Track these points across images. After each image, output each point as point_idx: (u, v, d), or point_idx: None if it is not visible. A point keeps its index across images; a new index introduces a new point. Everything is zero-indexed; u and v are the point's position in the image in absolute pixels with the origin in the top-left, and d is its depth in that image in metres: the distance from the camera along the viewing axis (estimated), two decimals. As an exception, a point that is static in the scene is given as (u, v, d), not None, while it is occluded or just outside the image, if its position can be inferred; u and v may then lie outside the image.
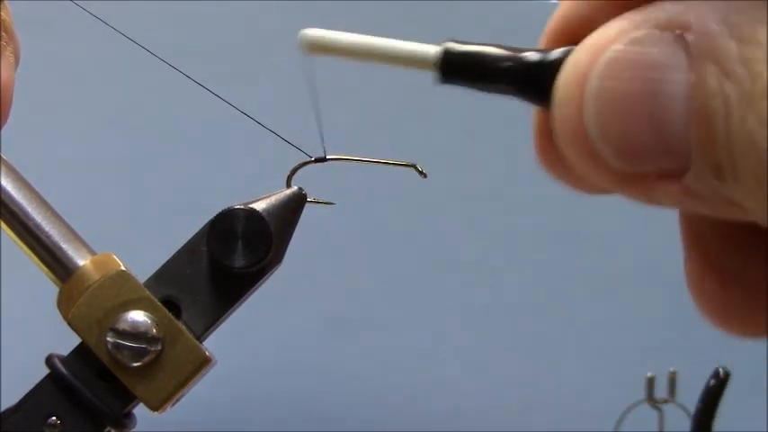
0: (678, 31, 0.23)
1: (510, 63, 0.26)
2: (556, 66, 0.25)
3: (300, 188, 0.40)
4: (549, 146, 0.27)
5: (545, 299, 0.73)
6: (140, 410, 0.39)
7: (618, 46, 0.24)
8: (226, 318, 0.40)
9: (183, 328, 0.38)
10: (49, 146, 0.66)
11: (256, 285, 0.40)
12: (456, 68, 0.27)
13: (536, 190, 0.70)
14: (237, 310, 0.40)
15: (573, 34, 0.26)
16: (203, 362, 0.38)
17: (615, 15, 0.24)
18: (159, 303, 0.38)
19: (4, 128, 0.40)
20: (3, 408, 0.39)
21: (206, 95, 0.43)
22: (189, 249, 0.39)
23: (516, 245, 0.72)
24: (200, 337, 0.39)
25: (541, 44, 0.27)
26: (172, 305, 0.39)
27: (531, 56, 0.26)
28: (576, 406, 0.73)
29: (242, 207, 0.38)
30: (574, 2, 0.27)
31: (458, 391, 0.71)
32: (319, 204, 0.41)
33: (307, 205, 0.40)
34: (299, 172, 0.40)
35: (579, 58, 0.24)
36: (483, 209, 0.72)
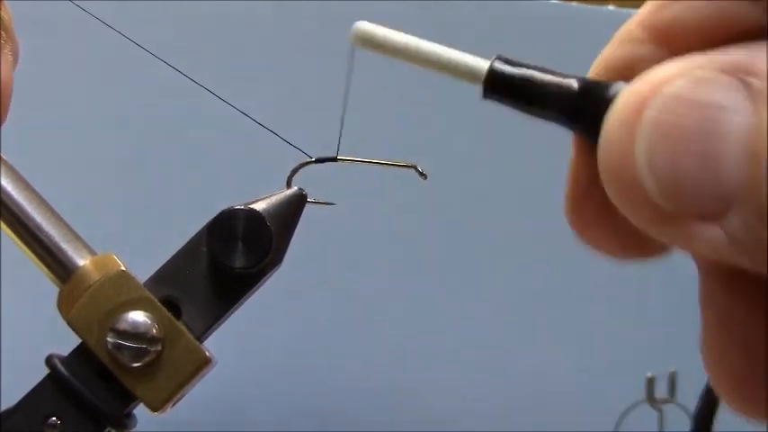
0: (742, 76, 0.23)
1: (558, 89, 0.26)
2: (607, 96, 0.25)
3: (301, 188, 0.40)
4: (583, 208, 0.27)
5: (545, 299, 0.73)
6: (140, 410, 0.40)
7: (680, 82, 0.23)
8: (226, 318, 0.40)
9: (183, 328, 0.38)
10: (49, 146, 0.66)
11: (256, 286, 0.40)
12: (502, 88, 0.27)
13: (536, 190, 0.70)
14: (237, 311, 0.40)
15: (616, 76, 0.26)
16: (203, 362, 0.38)
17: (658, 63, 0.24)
18: (159, 303, 0.38)
19: (4, 128, 0.40)
20: (3, 408, 0.39)
21: (206, 95, 0.43)
22: (189, 250, 0.39)
23: (516, 245, 0.72)
24: (201, 337, 0.39)
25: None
26: (172, 305, 0.39)
27: (582, 83, 0.26)
28: (575, 406, 0.73)
29: (242, 207, 0.38)
30: (617, 46, 0.27)
31: (457, 391, 0.71)
32: (320, 205, 0.41)
33: (307, 205, 0.40)
34: (300, 172, 0.40)
35: (639, 88, 0.24)
36: (483, 209, 0.72)
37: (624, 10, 0.74)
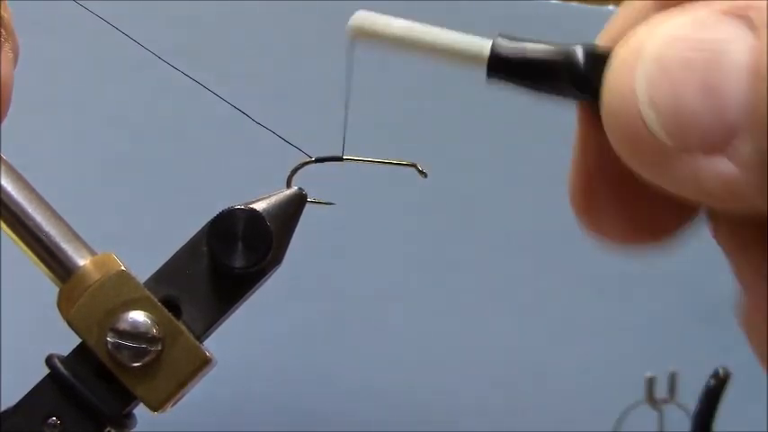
0: (741, 12, 0.23)
1: (565, 57, 0.26)
2: (608, 55, 0.25)
3: (301, 188, 0.40)
4: (591, 188, 0.27)
5: (545, 299, 0.73)
6: (140, 410, 0.39)
7: (679, 22, 0.23)
8: (226, 318, 0.40)
9: (184, 328, 0.38)
10: (49, 146, 0.66)
11: (256, 286, 0.40)
12: (506, 66, 0.26)
13: (536, 190, 0.70)
14: (237, 310, 0.40)
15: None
16: (203, 362, 0.38)
17: None
18: (159, 303, 0.38)
19: (4, 128, 0.40)
20: (3, 408, 0.39)
21: (206, 95, 0.43)
22: (189, 249, 0.39)
23: (516, 245, 0.72)
24: (201, 337, 0.39)
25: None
26: (172, 305, 0.39)
27: (587, 48, 0.26)
28: (575, 406, 0.73)
29: (242, 207, 0.38)
30: (620, 14, 0.27)
31: (457, 392, 0.71)
32: (319, 204, 0.41)
33: (307, 205, 0.40)
34: (299, 172, 0.40)
35: (638, 33, 0.24)
36: (483, 209, 0.72)
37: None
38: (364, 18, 0.28)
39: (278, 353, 0.68)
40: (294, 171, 0.40)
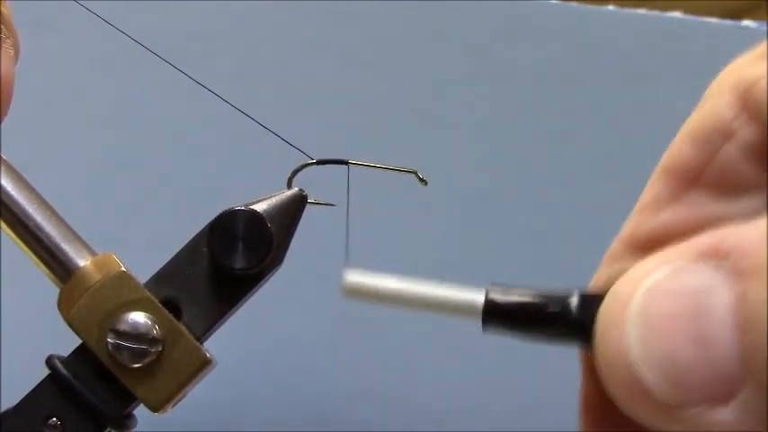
0: (716, 259, 0.23)
1: (561, 306, 0.26)
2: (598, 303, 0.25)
3: (301, 189, 0.40)
4: (596, 421, 0.28)
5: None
6: (140, 411, 0.40)
7: (658, 273, 0.23)
8: (226, 319, 0.40)
9: (184, 329, 0.38)
10: (49, 146, 0.66)
11: (257, 287, 0.40)
12: (501, 318, 0.27)
13: (536, 190, 0.70)
14: (238, 311, 0.40)
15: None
16: (204, 363, 0.38)
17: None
18: (160, 304, 0.38)
19: (4, 128, 0.40)
20: (3, 408, 0.39)
21: (207, 95, 0.43)
22: (189, 250, 0.39)
23: (516, 245, 0.72)
24: (201, 338, 0.39)
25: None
26: (172, 306, 0.39)
27: (581, 298, 0.26)
28: (575, 406, 0.72)
29: (243, 208, 0.39)
30: (604, 267, 0.27)
31: (457, 391, 0.71)
32: (320, 206, 0.41)
33: (308, 206, 0.40)
34: (300, 174, 0.41)
35: (619, 287, 0.24)
36: (483, 208, 0.72)
37: (624, 10, 0.74)
38: (356, 280, 0.29)
39: (278, 353, 0.68)
40: (295, 172, 0.41)
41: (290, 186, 0.40)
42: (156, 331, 0.38)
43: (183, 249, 0.39)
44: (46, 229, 0.39)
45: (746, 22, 0.74)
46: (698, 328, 0.22)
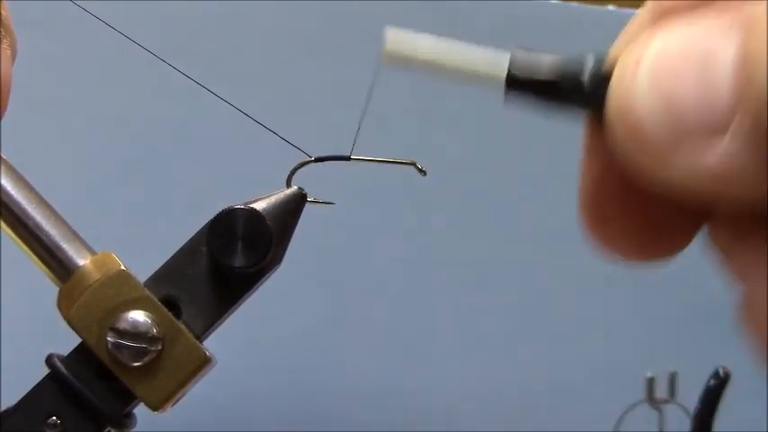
0: (728, 21, 0.24)
1: (577, 65, 0.27)
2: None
3: (300, 188, 0.40)
4: (599, 201, 0.28)
5: (545, 299, 0.73)
6: (140, 410, 0.39)
7: (669, 33, 0.25)
8: (226, 317, 0.40)
9: (183, 327, 0.38)
10: (49, 146, 0.66)
11: (256, 285, 0.40)
12: (520, 90, 0.28)
13: (536, 190, 0.70)
14: (237, 310, 0.40)
15: None
16: (203, 362, 0.38)
17: None
18: (159, 303, 0.38)
19: (4, 128, 0.40)
20: (3, 408, 0.39)
21: (206, 95, 0.43)
22: (189, 249, 0.39)
23: (516, 245, 0.72)
24: (201, 336, 0.39)
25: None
26: (172, 305, 0.39)
27: (596, 57, 0.27)
28: (575, 406, 0.72)
29: (242, 207, 0.39)
30: (626, 35, 0.28)
31: (457, 392, 0.71)
32: (319, 204, 0.41)
33: (307, 205, 0.40)
34: (299, 172, 0.41)
35: (633, 47, 0.26)
36: (483, 208, 0.72)
37: (624, 10, 0.74)
38: (398, 41, 0.29)
39: (278, 353, 0.68)
40: (294, 171, 0.41)
41: (289, 185, 0.40)
42: (155, 330, 0.38)
43: (182, 248, 0.39)
44: (45, 228, 0.39)
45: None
46: (702, 68, 0.24)
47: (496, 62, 0.28)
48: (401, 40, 0.29)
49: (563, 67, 0.27)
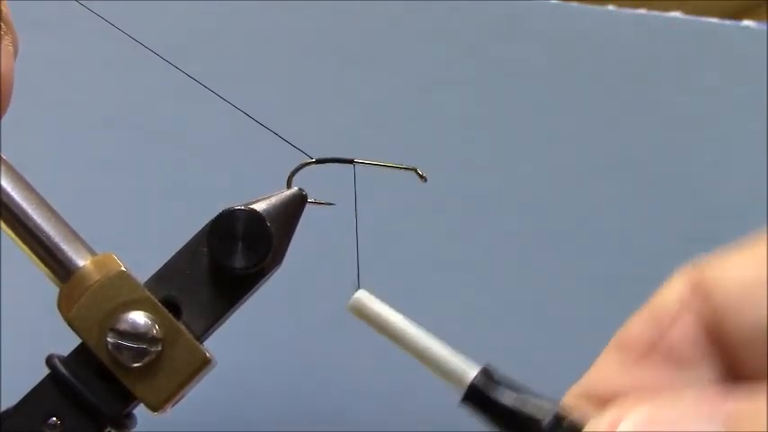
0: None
1: (532, 422, 0.28)
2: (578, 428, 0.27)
3: (301, 189, 0.40)
4: None
5: (545, 299, 0.73)
6: (140, 411, 0.39)
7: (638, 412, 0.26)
8: (226, 318, 0.40)
9: (184, 328, 0.38)
10: (49, 146, 0.66)
11: (257, 286, 0.40)
12: (480, 404, 0.29)
13: (536, 190, 0.70)
14: (237, 311, 0.40)
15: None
16: (203, 362, 0.38)
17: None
18: (159, 304, 0.38)
19: (5, 127, 0.40)
20: (3, 408, 0.39)
21: (207, 95, 0.43)
22: (189, 250, 0.39)
23: (516, 245, 0.72)
24: (201, 337, 0.39)
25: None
26: (172, 305, 0.39)
27: (554, 419, 0.28)
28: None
29: (242, 208, 0.39)
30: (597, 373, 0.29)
31: (458, 392, 0.71)
32: (320, 205, 0.41)
33: (307, 206, 0.40)
34: (300, 173, 0.41)
35: (600, 420, 0.26)
36: (483, 208, 0.72)
37: (624, 10, 0.74)
38: (364, 302, 0.30)
39: (278, 353, 0.68)
40: (294, 172, 0.41)
41: (289, 186, 0.40)
42: (155, 331, 0.38)
43: (182, 249, 0.39)
44: (46, 229, 0.39)
45: (746, 22, 0.74)
46: None
47: (462, 369, 0.28)
48: (366, 306, 0.29)
49: (526, 406, 0.29)
